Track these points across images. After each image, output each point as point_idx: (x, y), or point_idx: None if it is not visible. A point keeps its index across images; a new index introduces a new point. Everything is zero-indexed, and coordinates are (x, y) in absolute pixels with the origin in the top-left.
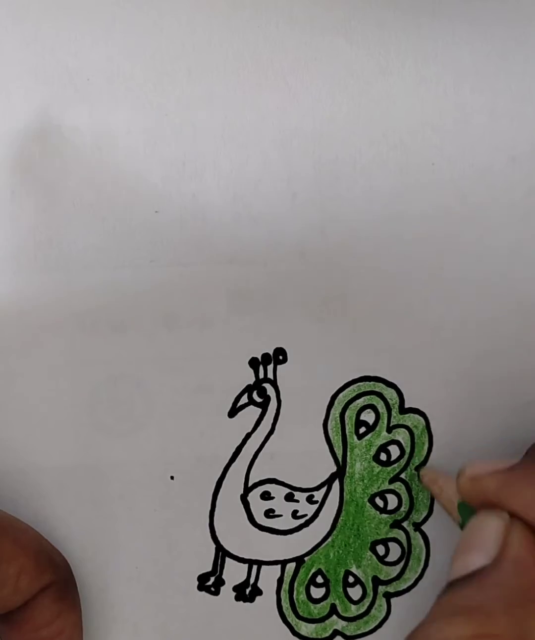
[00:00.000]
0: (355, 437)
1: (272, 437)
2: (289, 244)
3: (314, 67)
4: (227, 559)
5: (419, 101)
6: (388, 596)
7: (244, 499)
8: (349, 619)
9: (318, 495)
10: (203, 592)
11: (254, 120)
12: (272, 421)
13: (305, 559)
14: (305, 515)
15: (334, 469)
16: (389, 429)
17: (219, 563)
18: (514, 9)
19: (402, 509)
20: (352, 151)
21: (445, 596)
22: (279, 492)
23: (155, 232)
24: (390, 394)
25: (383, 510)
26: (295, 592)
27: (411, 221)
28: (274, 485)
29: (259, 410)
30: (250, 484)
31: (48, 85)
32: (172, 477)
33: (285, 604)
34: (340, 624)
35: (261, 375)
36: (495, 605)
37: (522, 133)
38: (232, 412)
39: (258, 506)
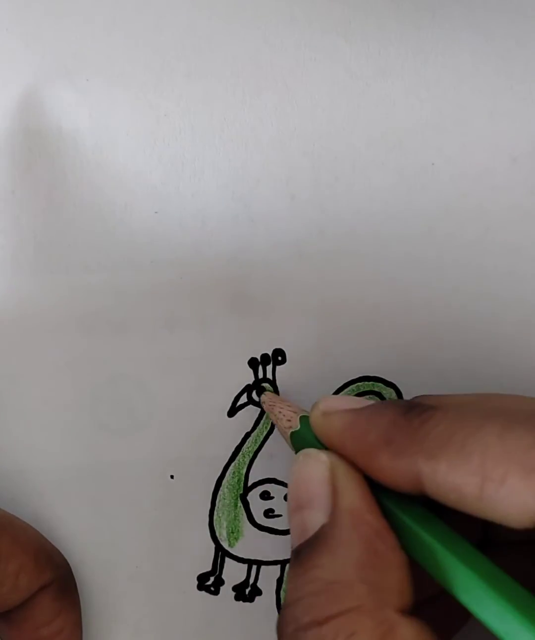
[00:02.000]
0: None
1: (271, 437)
2: (288, 244)
3: (313, 67)
4: (227, 559)
5: (419, 101)
6: None
7: (243, 498)
8: None
9: None
10: (203, 592)
11: (253, 120)
12: (271, 422)
13: None
14: None
15: None
16: None
17: (219, 563)
18: (514, 9)
19: None
20: (351, 152)
21: (298, 568)
22: (278, 492)
23: (154, 232)
24: (389, 393)
25: None
26: None
27: (411, 221)
28: (273, 485)
29: (258, 409)
30: (249, 483)
31: (48, 85)
32: (172, 477)
33: None
34: None
35: (260, 375)
36: (349, 572)
37: (522, 133)
38: (232, 412)
39: (258, 506)
